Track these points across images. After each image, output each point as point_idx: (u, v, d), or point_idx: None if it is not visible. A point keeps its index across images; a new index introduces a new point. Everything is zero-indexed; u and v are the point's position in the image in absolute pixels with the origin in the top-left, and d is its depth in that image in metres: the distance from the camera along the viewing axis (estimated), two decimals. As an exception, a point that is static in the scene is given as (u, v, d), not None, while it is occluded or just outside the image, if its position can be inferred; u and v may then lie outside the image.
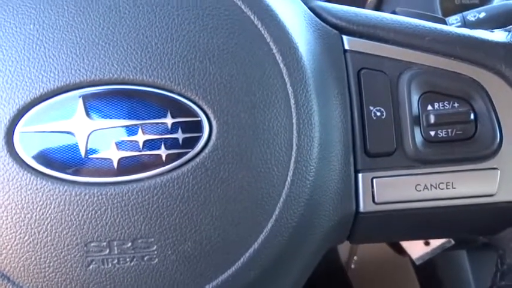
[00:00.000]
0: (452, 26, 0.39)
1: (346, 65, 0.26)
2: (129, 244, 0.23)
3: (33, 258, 0.23)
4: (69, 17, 0.23)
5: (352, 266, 0.65)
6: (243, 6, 0.24)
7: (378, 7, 0.57)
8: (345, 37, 0.27)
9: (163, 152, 0.22)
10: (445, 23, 0.31)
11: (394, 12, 0.33)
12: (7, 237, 0.23)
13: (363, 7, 0.58)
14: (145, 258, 0.23)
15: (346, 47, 0.27)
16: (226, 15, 0.24)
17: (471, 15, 0.40)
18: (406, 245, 0.52)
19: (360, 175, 0.26)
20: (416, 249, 0.50)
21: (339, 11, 0.28)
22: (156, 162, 0.22)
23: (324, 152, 0.24)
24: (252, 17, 0.24)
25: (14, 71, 0.23)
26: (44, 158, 0.22)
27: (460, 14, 0.41)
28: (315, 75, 0.25)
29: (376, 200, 0.26)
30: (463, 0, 0.57)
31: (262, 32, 0.24)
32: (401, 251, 0.54)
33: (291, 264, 0.26)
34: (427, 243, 0.48)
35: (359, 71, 0.26)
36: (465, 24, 0.40)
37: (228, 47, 0.23)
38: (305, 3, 0.28)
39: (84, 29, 0.23)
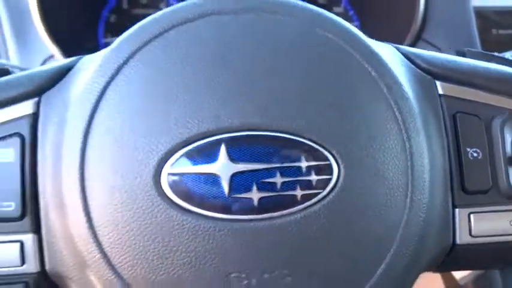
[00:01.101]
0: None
1: (442, 109, 0.29)
2: (266, 275, 0.25)
3: (177, 287, 0.25)
4: (210, 69, 0.25)
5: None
6: (360, 60, 0.27)
7: (418, 37, 0.60)
8: (438, 82, 0.30)
9: (298, 192, 0.25)
10: None
11: (463, 53, 0.36)
12: (154, 269, 0.25)
13: (402, 35, 0.61)
14: None
15: (440, 91, 0.29)
16: (347, 69, 0.26)
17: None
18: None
19: (457, 210, 0.28)
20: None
21: (431, 57, 0.30)
22: (292, 201, 0.25)
23: (431, 191, 0.27)
24: (369, 69, 0.27)
25: (161, 117, 0.25)
26: (189, 196, 0.25)
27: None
28: (421, 119, 0.27)
29: (472, 233, 0.28)
30: (499, 31, 0.60)
31: (379, 82, 0.26)
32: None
33: None
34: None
35: (454, 115, 0.29)
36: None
37: (351, 98, 0.26)
38: (398, 50, 0.31)
39: (224, 80, 0.25)
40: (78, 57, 0.32)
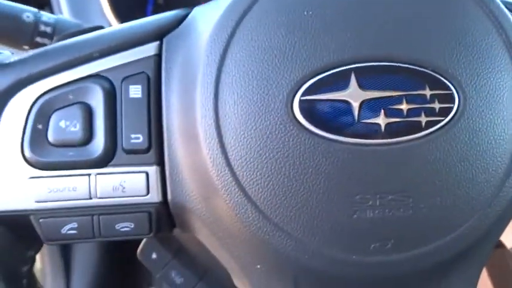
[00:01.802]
0: None
1: None
2: (390, 197, 0.27)
3: (305, 208, 0.27)
4: (344, 1, 0.27)
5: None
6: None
7: None
8: None
9: (423, 119, 0.27)
10: None
11: None
12: (284, 191, 0.27)
13: None
14: (401, 210, 0.27)
15: None
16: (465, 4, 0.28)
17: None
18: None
19: None
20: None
21: None
22: (417, 127, 0.27)
23: None
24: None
25: (295, 48, 0.27)
26: (320, 122, 0.26)
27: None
28: None
29: None
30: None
31: (491, 18, 0.28)
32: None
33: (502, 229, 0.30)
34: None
35: None
36: None
37: (471, 31, 0.28)
38: None
39: (356, 12, 0.27)
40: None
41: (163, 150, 0.29)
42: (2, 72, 0.29)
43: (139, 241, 0.43)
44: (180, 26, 0.31)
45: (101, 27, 0.44)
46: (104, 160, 0.29)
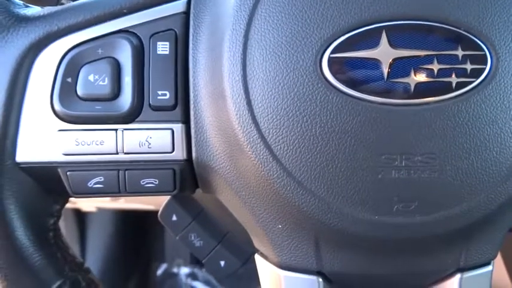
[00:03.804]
0: None
1: None
2: (416, 158, 0.26)
3: (329, 167, 0.27)
4: None
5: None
6: None
7: None
8: None
9: (453, 79, 0.26)
10: None
11: None
12: (310, 149, 0.27)
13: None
14: (427, 172, 0.27)
15: None
16: None
17: None
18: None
19: None
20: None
21: None
22: (447, 88, 0.26)
23: None
24: None
25: (324, 5, 0.26)
26: (349, 80, 0.26)
27: None
28: None
29: None
30: None
31: None
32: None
33: None
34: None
35: None
36: None
37: None
38: None
39: None
40: None
41: (189, 107, 0.30)
42: (32, 25, 0.30)
43: (153, 217, 0.44)
44: None
45: None
46: (131, 116, 0.29)
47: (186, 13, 0.30)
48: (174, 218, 0.39)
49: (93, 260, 1.04)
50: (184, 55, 0.30)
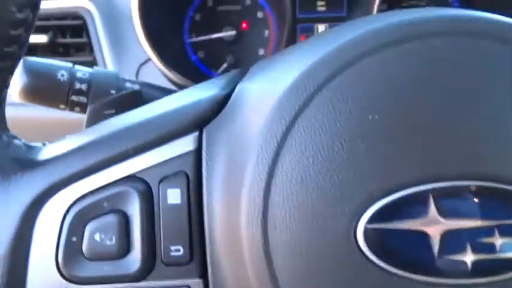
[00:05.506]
0: None
1: None
2: None
3: None
4: (418, 118, 0.22)
5: None
6: None
7: None
8: None
9: (520, 255, 0.21)
10: None
11: None
12: None
13: None
14: None
15: None
16: None
17: None
18: None
19: None
20: None
21: None
22: (512, 265, 0.21)
23: None
24: None
25: (361, 161, 0.22)
26: (389, 256, 0.22)
27: None
28: None
29: None
30: None
31: None
32: None
33: None
34: None
35: None
36: None
37: None
38: None
39: (430, 127, 0.22)
40: (228, 79, 0.30)
41: (206, 261, 0.26)
42: (34, 173, 0.27)
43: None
44: (221, 112, 0.27)
45: (139, 92, 0.41)
46: (143, 274, 0.26)
47: (198, 150, 0.27)
48: None
49: None
50: (197, 202, 0.26)
